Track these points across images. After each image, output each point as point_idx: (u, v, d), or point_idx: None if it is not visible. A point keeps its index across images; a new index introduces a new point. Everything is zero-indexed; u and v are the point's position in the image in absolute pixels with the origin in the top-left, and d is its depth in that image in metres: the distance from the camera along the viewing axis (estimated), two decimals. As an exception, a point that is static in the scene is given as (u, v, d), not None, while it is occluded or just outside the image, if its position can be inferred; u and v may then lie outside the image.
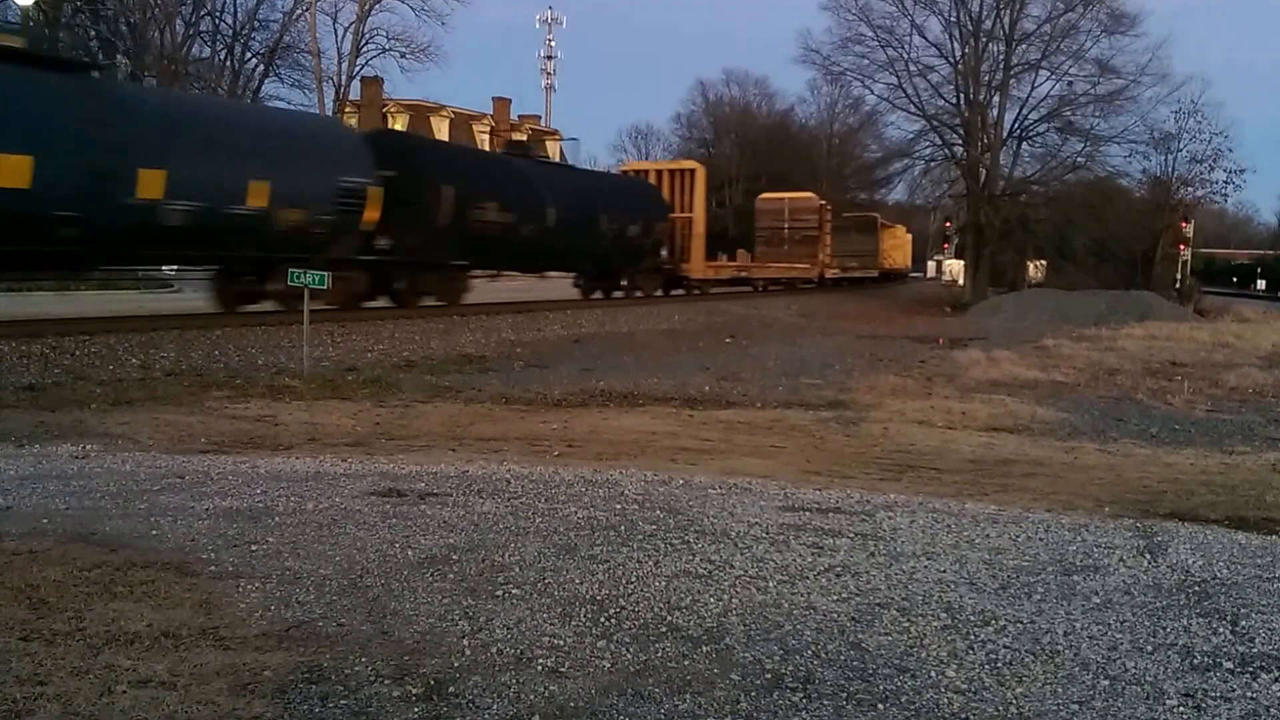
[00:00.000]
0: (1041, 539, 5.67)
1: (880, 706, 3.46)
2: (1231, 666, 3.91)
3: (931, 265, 73.33)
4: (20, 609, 4.09)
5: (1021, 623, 4.30)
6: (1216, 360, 18.04)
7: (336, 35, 44.65)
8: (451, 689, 3.48)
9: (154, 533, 5.24)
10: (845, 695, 3.53)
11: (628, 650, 3.87)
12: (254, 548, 5.02)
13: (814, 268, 44.12)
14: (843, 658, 3.87)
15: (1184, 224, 45.78)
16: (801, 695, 3.53)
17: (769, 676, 3.68)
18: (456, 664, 3.69)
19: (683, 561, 4.99)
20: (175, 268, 26.50)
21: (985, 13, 41.26)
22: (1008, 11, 40.92)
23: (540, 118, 72.74)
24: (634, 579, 4.70)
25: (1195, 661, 3.95)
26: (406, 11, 70.37)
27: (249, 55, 40.08)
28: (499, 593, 4.46)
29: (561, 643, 3.92)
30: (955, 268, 56.85)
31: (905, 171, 46.69)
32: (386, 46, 43.83)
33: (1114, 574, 5.06)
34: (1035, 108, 42.02)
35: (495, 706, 3.37)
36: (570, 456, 8.04)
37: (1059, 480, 7.71)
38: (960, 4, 41.18)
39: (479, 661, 3.72)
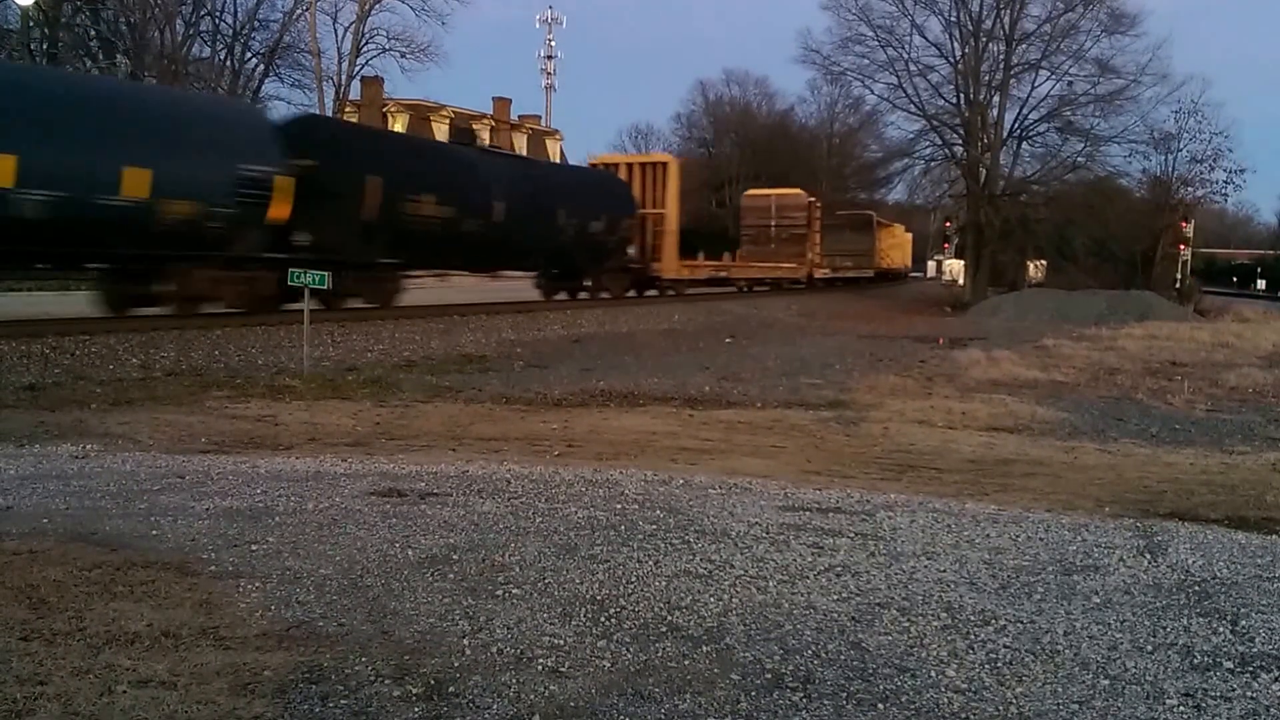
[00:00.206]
0: (1041, 539, 5.68)
1: (880, 706, 3.46)
2: (1231, 666, 3.91)
3: (931, 265, 73.33)
4: (20, 609, 4.09)
5: (1021, 622, 4.30)
6: (1216, 360, 18.04)
7: (336, 35, 44.68)
8: (452, 689, 3.49)
9: (154, 532, 5.24)
10: (845, 695, 3.53)
11: (628, 650, 3.88)
12: (254, 547, 5.02)
13: (801, 267, 42.37)
14: (843, 657, 3.87)
15: (1184, 224, 45.79)
16: (802, 695, 3.53)
17: (769, 676, 3.68)
18: (457, 664, 3.69)
19: (683, 561, 4.99)
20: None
21: (985, 12, 41.33)
22: (1008, 11, 40.97)
23: (540, 117, 72.76)
24: (634, 579, 4.70)
25: (1195, 661, 3.95)
26: (406, 11, 70.41)
27: (249, 55, 40.13)
28: (499, 592, 4.46)
29: (562, 642, 3.92)
30: (955, 267, 56.69)
31: (905, 171, 46.74)
32: (387, 46, 43.87)
33: (1114, 574, 5.06)
34: (1035, 108, 42.11)
35: (495, 706, 3.37)
36: (570, 456, 8.04)
37: (1059, 480, 7.71)
38: (960, 4, 41.24)
39: (479, 661, 3.72)
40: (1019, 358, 16.92)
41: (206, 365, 12.86)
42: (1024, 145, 43.49)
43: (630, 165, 30.83)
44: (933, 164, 44.70)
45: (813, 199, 45.08)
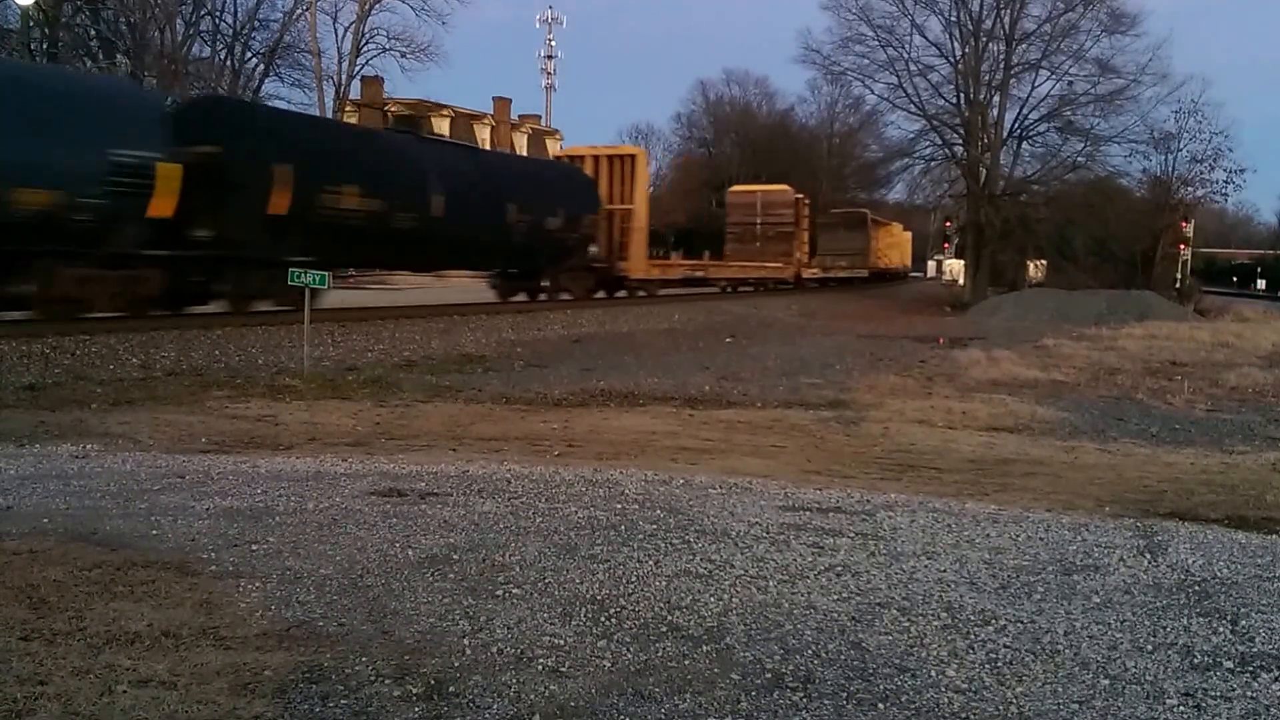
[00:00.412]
0: (1042, 538, 5.68)
1: (880, 706, 3.46)
2: (1231, 666, 3.91)
3: (931, 265, 73.33)
4: (21, 609, 4.09)
5: (1022, 622, 4.30)
6: (1216, 360, 18.05)
7: (337, 35, 44.84)
8: (452, 688, 3.49)
9: (154, 532, 5.24)
10: (845, 695, 3.54)
11: (628, 650, 3.88)
12: (254, 547, 5.02)
13: (788, 267, 40.58)
14: (843, 657, 3.87)
15: (1184, 224, 45.77)
16: (802, 695, 3.53)
17: (769, 676, 3.68)
18: (457, 664, 3.69)
19: (683, 561, 5.00)
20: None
21: (985, 12, 41.31)
22: (1008, 11, 40.95)
23: (540, 117, 72.82)
24: (634, 578, 4.70)
25: (1195, 661, 3.95)
26: (407, 11, 70.53)
27: (249, 55, 40.19)
28: (499, 592, 4.46)
29: (562, 642, 3.92)
30: (955, 267, 56.50)
31: (905, 171, 46.58)
32: (387, 46, 44.00)
33: (1114, 573, 5.06)
34: (1035, 107, 42.08)
35: (496, 706, 3.37)
36: (570, 456, 8.04)
37: (1059, 480, 7.71)
38: (960, 4, 41.22)
39: (479, 661, 3.73)
40: (1019, 357, 16.92)
41: (207, 365, 12.86)
42: (1024, 145, 43.52)
43: (597, 158, 28.50)
44: (933, 164, 44.67)
45: (800, 196, 43.55)
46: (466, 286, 26.42)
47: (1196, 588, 4.88)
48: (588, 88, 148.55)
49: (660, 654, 3.85)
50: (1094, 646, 4.06)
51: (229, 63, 39.05)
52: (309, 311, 13.69)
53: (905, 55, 41.80)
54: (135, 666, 3.59)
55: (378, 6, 43.13)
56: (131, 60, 36.06)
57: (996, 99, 42.27)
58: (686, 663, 3.78)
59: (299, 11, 41.57)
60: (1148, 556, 5.39)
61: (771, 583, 4.71)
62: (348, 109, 46.10)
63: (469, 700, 3.41)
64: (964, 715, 3.42)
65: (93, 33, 37.60)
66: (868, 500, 6.50)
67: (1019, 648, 4.02)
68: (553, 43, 79.37)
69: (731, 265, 38.52)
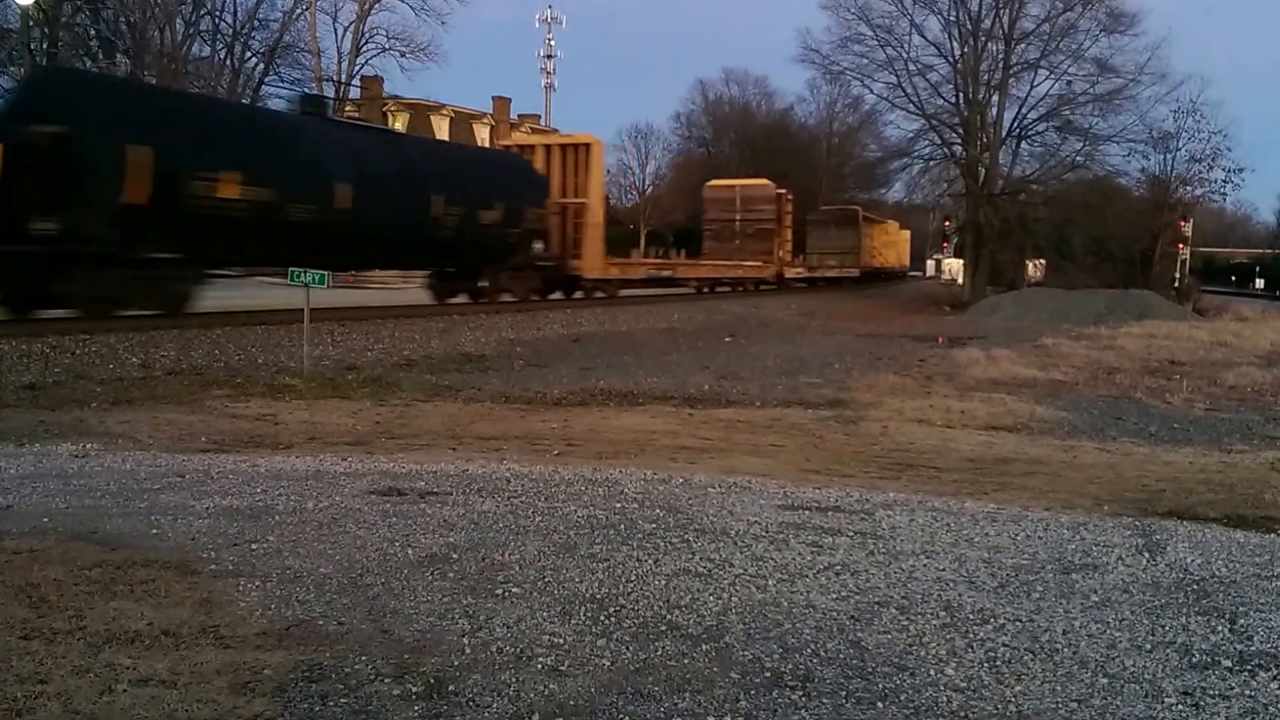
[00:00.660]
0: (1040, 537, 5.68)
1: (880, 705, 3.47)
2: (1230, 665, 3.92)
3: (931, 264, 73.37)
4: (21, 608, 4.09)
5: (1020, 621, 4.31)
6: (1215, 359, 18.06)
7: (336, 34, 44.87)
8: (451, 687, 3.49)
9: (154, 531, 5.25)
10: (845, 693, 3.54)
11: (627, 648, 3.88)
12: (254, 546, 5.02)
13: (768, 266, 38.28)
14: (842, 656, 3.87)
15: (1183, 223, 45.84)
16: (801, 693, 3.53)
17: (768, 675, 3.68)
18: (457, 662, 3.70)
19: (682, 560, 5.00)
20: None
21: (984, 12, 41.35)
22: (1007, 11, 40.99)
23: (540, 117, 72.78)
24: (634, 577, 4.70)
25: (1194, 660, 3.96)
26: (406, 11, 70.52)
27: (249, 54, 40.16)
28: (499, 591, 4.46)
29: (561, 641, 3.92)
30: (954, 267, 56.39)
31: (904, 171, 46.59)
32: (386, 46, 44.01)
33: (1113, 572, 5.07)
34: (1034, 107, 42.12)
35: (495, 705, 3.38)
36: (570, 455, 8.04)
37: (1058, 479, 7.72)
38: (959, 3, 41.26)
39: (479, 660, 3.73)
40: (1018, 357, 16.94)
41: (207, 364, 12.87)
42: (1023, 144, 43.56)
43: (549, 147, 26.31)
44: (932, 163, 44.68)
45: (783, 191, 41.23)
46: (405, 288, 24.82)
47: (1195, 587, 4.89)
48: (587, 87, 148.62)
49: (659, 653, 3.86)
50: (1092, 645, 4.07)
51: (229, 62, 39.04)
52: (309, 311, 13.69)
53: (904, 55, 41.89)
54: (135, 665, 3.59)
55: (377, 6, 43.18)
56: (131, 60, 36.05)
57: (995, 98, 42.36)
58: (686, 661, 3.78)
59: (299, 11, 41.61)
60: (1146, 555, 5.40)
61: (771, 581, 4.72)
62: (348, 108, 46.09)
63: (469, 699, 3.41)
64: (963, 714, 3.43)
65: (92, 32, 37.57)
66: (867, 499, 6.51)
67: (1018, 646, 4.02)
68: (552, 42, 79.46)
69: (703, 264, 36.38)
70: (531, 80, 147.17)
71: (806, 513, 6.07)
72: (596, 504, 6.07)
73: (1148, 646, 4.08)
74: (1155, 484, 7.61)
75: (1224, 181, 44.75)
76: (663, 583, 4.65)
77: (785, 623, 4.20)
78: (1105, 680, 3.73)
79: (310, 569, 4.69)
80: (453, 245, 20.29)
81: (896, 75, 42.33)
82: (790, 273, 41.49)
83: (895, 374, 14.45)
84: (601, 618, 4.19)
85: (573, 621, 4.14)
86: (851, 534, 5.59)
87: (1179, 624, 4.35)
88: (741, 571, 4.85)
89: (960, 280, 48.44)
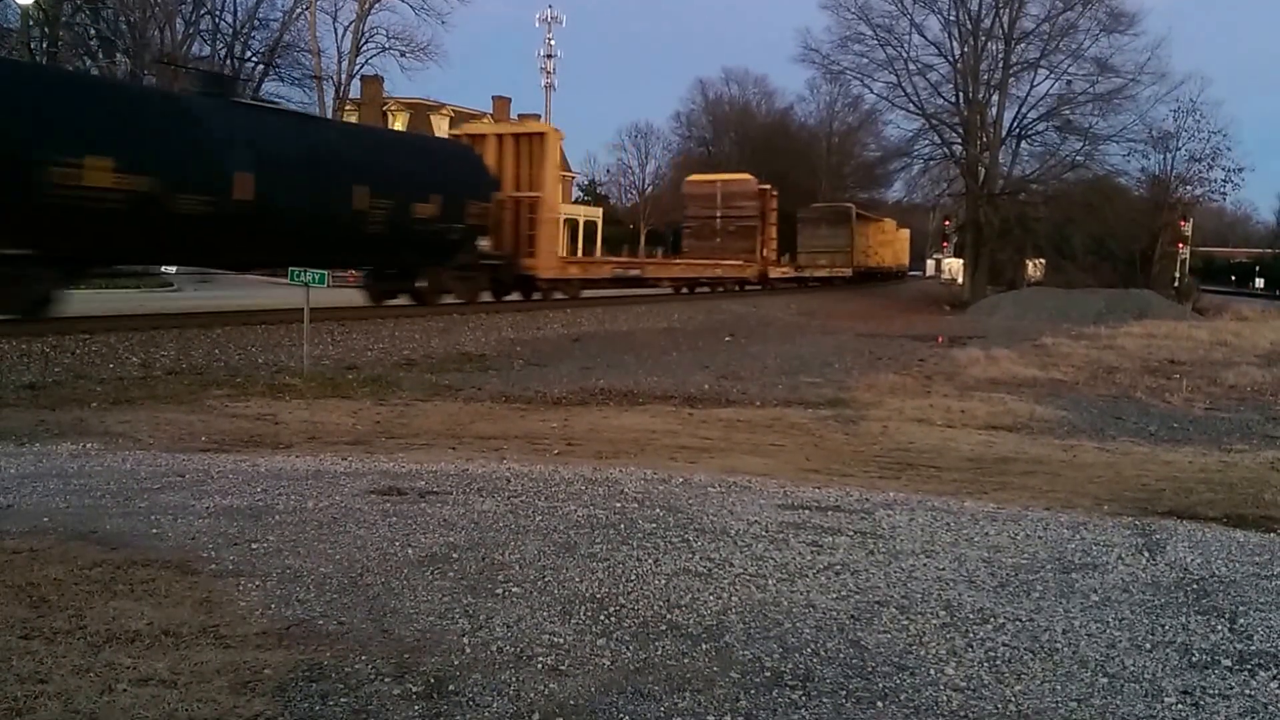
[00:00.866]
0: (1040, 537, 5.68)
1: (879, 704, 3.47)
2: (1230, 664, 3.92)
3: (931, 264, 73.37)
4: (21, 607, 4.10)
5: (1020, 620, 4.31)
6: (1215, 358, 18.07)
7: (336, 34, 44.83)
8: (452, 687, 3.49)
9: (154, 531, 5.25)
10: (845, 693, 3.54)
11: (627, 648, 3.88)
12: (254, 546, 5.02)
13: (750, 265, 36.22)
14: (842, 655, 3.87)
15: (1182, 222, 45.88)
16: (801, 693, 3.54)
17: (768, 674, 3.68)
18: (457, 662, 3.70)
19: (682, 559, 5.00)
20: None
21: (984, 11, 41.43)
22: (1007, 10, 41.05)
23: (540, 116, 72.71)
24: (634, 577, 4.70)
25: (1193, 659, 3.96)
26: (406, 10, 70.50)
27: (249, 54, 40.17)
28: (499, 591, 4.46)
29: (561, 641, 3.92)
30: (954, 266, 56.32)
31: (904, 170, 46.69)
32: (386, 45, 44.00)
33: (1112, 572, 5.07)
34: (1034, 106, 42.22)
35: (495, 704, 3.38)
36: (570, 455, 8.04)
37: (1058, 478, 7.72)
38: (959, 3, 41.33)
39: (479, 659, 3.73)
40: (1018, 356, 16.94)
41: (206, 364, 12.87)
42: (1023, 144, 43.66)
43: (500, 137, 24.31)
44: (931, 163, 44.79)
45: (766, 186, 39.16)
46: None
47: (1195, 586, 4.89)
48: (588, 87, 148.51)
49: (659, 652, 3.86)
50: (1092, 645, 4.07)
51: (229, 62, 39.03)
52: (309, 310, 13.69)
53: (904, 54, 41.95)
54: (135, 665, 3.59)
55: (377, 5, 43.14)
56: (131, 59, 36.06)
57: (995, 98, 42.43)
58: (686, 661, 3.78)
59: (299, 10, 41.60)
60: (1146, 555, 5.40)
61: (770, 581, 4.72)
62: (348, 108, 46.10)
63: (469, 699, 3.41)
64: (963, 713, 3.43)
65: (92, 32, 37.60)
66: (867, 499, 6.51)
67: (1018, 646, 4.02)
68: (552, 42, 79.13)
69: (676, 264, 34.49)
70: (532, 80, 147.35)
71: (806, 512, 6.07)
72: (596, 503, 6.07)
73: (1147, 646, 4.08)
74: (1155, 483, 7.62)
75: (1224, 181, 44.90)
76: (663, 582, 4.65)
77: (785, 622, 4.20)
78: (1105, 680, 3.73)
79: (310, 568, 4.69)
80: (382, 242, 18.30)
81: (896, 75, 42.44)
82: (775, 272, 39.62)
83: (895, 373, 14.45)
84: (601, 617, 4.19)
85: (573, 621, 4.14)
86: (851, 533, 5.60)
87: (1179, 623, 4.35)
88: (741, 571, 4.85)
89: (960, 280, 48.43)
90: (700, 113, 72.93)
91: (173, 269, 25.02)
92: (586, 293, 25.86)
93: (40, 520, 5.39)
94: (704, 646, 3.93)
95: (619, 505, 6.05)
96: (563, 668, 3.68)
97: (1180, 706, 3.53)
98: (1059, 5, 39.93)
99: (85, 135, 13.27)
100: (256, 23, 40.12)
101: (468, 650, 3.81)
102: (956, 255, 55.33)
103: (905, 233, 65.29)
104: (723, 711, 3.38)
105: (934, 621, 4.26)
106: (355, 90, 48.03)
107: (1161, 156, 44.51)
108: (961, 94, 42.23)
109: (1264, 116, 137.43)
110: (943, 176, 46.07)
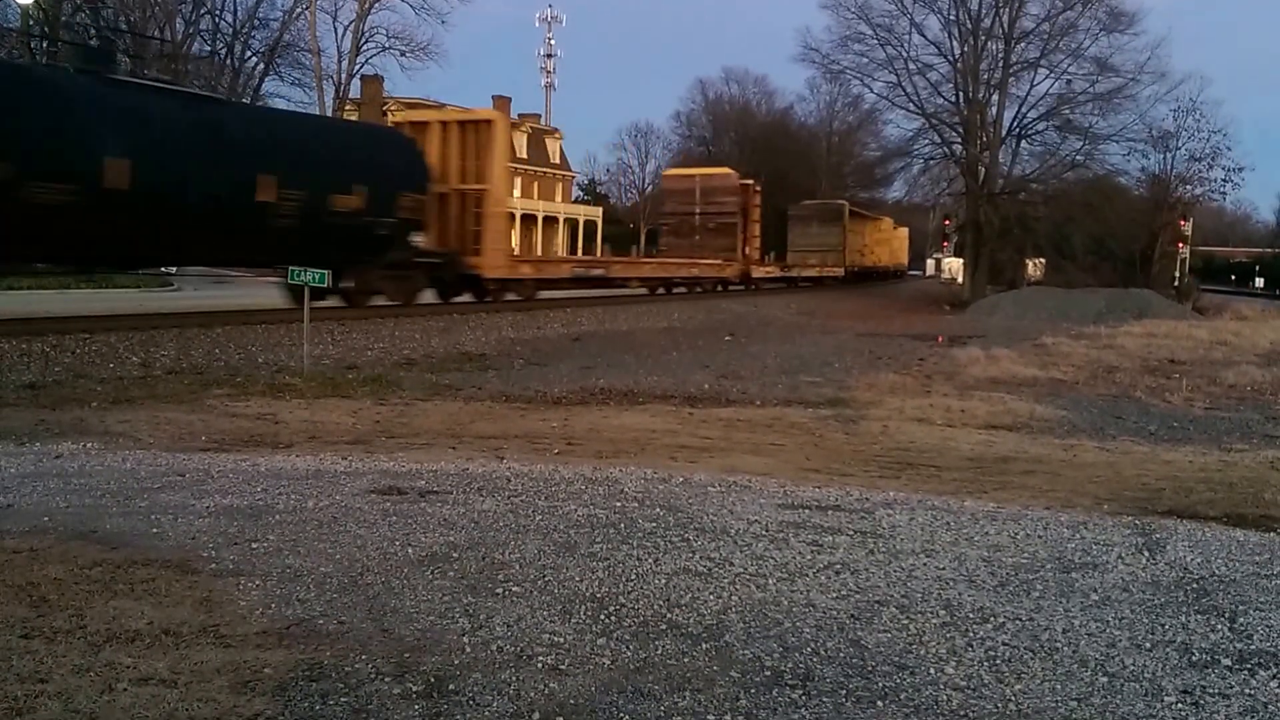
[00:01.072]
0: (1040, 536, 5.68)
1: (879, 704, 3.47)
2: (1230, 663, 3.92)
3: (931, 263, 73.36)
4: (21, 607, 4.10)
5: (1020, 620, 4.31)
6: (1215, 358, 18.07)
7: (336, 34, 44.86)
8: (452, 686, 3.49)
9: (154, 531, 5.25)
10: (845, 692, 3.54)
11: (628, 647, 3.88)
12: (254, 546, 5.02)
13: (730, 265, 34.21)
14: (842, 655, 3.87)
15: (1182, 222, 45.87)
16: (801, 692, 3.54)
17: (769, 674, 3.68)
18: (457, 661, 3.70)
19: (682, 559, 5.00)
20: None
21: (984, 11, 41.43)
22: (1007, 10, 41.05)
23: (540, 116, 72.78)
24: (634, 576, 4.70)
25: (1193, 658, 3.96)
26: (406, 10, 70.54)
27: (249, 53, 40.19)
28: (499, 590, 4.46)
29: (562, 640, 3.92)
30: (954, 266, 56.29)
31: (904, 170, 46.67)
32: (386, 45, 44.04)
33: (1112, 571, 5.07)
34: (1034, 106, 42.24)
35: (495, 704, 3.38)
36: (570, 454, 8.04)
37: (1058, 478, 7.72)
38: (959, 2, 41.33)
39: (479, 659, 3.73)
40: (1018, 356, 16.94)
41: (207, 363, 12.87)
42: (1023, 144, 43.68)
43: (445, 124, 22.15)
44: (931, 162, 44.80)
45: (749, 181, 37.29)
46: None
47: (1195, 585, 4.89)
48: (588, 86, 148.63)
49: (660, 651, 3.86)
50: (1092, 644, 4.07)
51: (229, 61, 39.06)
52: (309, 310, 13.69)
53: (904, 54, 41.96)
54: (135, 664, 3.59)
55: (377, 5, 43.18)
56: (131, 59, 36.03)
57: (995, 98, 42.44)
58: (686, 660, 3.78)
59: (299, 10, 41.62)
60: (1146, 554, 5.40)
61: (771, 580, 4.72)
62: (348, 108, 46.10)
63: (469, 698, 3.41)
64: (963, 713, 3.43)
65: (93, 31, 37.57)
66: (867, 498, 6.51)
67: (1018, 645, 4.02)
68: (552, 41, 79.58)
69: (646, 263, 32.84)
70: (532, 79, 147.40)
71: (806, 512, 6.07)
72: (596, 503, 6.07)
73: (1147, 645, 4.08)
74: (1155, 483, 7.62)
75: (1224, 180, 44.88)
76: (663, 582, 4.65)
77: (785, 621, 4.20)
78: (1105, 679, 3.73)
79: (310, 568, 4.70)
80: (291, 238, 16.02)
81: (896, 74, 42.44)
82: (759, 272, 37.41)
83: (895, 373, 14.45)
84: (602, 617, 4.19)
85: (573, 620, 4.14)
86: (851, 533, 5.60)
87: (1179, 623, 4.35)
88: (741, 570, 4.85)
89: (960, 279, 48.40)
90: (700, 112, 73.04)
91: (173, 269, 24.54)
92: (543, 293, 24.00)
93: (40, 520, 5.39)
94: (704, 646, 3.93)
95: (619, 505, 6.05)
96: (563, 667, 3.68)
97: (1180, 706, 3.54)
98: (1059, 5, 40.01)
99: None
100: (256, 22, 40.20)
101: (468, 650, 3.81)
102: (956, 255, 55.30)
103: (904, 231, 65.25)
104: (723, 711, 3.38)
105: (934, 621, 4.26)
106: (355, 90, 48.08)
107: (1161, 156, 44.56)
108: (961, 93, 42.27)
109: (1264, 116, 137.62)
110: (943, 176, 46.10)
